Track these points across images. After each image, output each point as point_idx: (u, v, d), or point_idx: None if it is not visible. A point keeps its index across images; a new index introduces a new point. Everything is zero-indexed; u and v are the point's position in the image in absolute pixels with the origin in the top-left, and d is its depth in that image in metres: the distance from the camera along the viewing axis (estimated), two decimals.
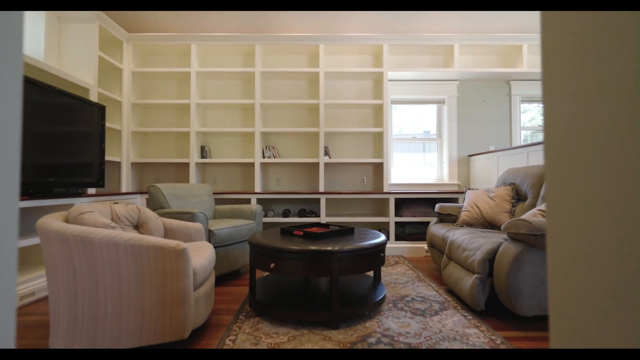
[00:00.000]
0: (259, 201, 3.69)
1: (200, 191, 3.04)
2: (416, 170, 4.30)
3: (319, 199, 3.50)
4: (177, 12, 3.68)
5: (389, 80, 4.07)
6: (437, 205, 3.05)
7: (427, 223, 3.61)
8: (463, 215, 2.83)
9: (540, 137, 4.31)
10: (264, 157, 3.87)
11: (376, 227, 3.84)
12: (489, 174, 3.63)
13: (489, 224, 2.70)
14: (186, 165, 3.94)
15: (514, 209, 2.63)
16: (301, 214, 3.52)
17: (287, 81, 4.08)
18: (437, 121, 4.30)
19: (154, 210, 2.68)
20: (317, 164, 3.78)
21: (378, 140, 4.02)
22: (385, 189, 3.70)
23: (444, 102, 4.18)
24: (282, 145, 4.06)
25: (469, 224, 2.78)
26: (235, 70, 3.73)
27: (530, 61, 4.04)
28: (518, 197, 2.72)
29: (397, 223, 3.61)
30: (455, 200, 3.62)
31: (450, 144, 4.10)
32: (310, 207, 3.89)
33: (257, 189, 3.70)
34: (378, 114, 3.99)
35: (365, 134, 4.06)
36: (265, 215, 3.55)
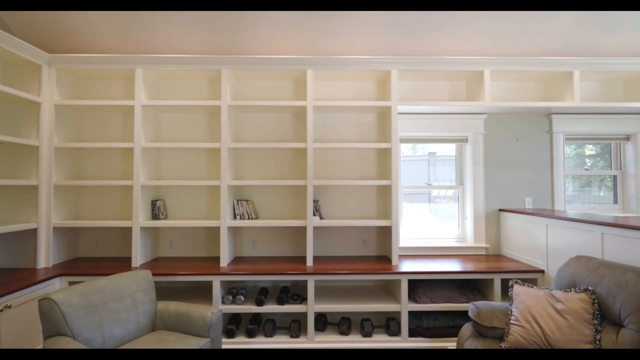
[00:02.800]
0: (224, 285, 2.74)
1: (131, 288, 2.10)
2: (430, 224, 3.39)
3: (306, 280, 2.58)
4: (119, 27, 2.76)
5: (398, 114, 3.16)
6: (471, 308, 2.13)
7: (453, 314, 2.68)
8: (515, 333, 1.91)
9: (596, 191, 3.42)
10: (235, 217, 2.94)
11: (382, 317, 2.91)
12: (534, 244, 2.72)
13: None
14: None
15: (599, 337, 1.72)
16: (282, 300, 2.58)
17: (267, 114, 3.15)
18: (457, 165, 3.39)
19: (46, 337, 1.74)
20: (304, 227, 2.84)
21: (383, 194, 3.10)
22: (394, 259, 2.78)
23: (466, 141, 3.28)
24: (260, 199, 3.13)
25: (525, 349, 1.87)
26: (193, 103, 2.80)
27: (584, 91, 3.15)
28: (601, 314, 1.81)
29: (411, 313, 2.69)
30: (488, 284, 2.68)
31: (475, 194, 3.20)
32: (295, 280, 2.94)
33: (223, 262, 2.75)
34: (383, 158, 3.08)
35: (368, 187, 3.14)
36: (233, 301, 2.61)
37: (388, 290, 2.95)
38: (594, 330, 1.74)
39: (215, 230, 3.07)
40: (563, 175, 3.21)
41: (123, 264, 2.79)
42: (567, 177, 3.35)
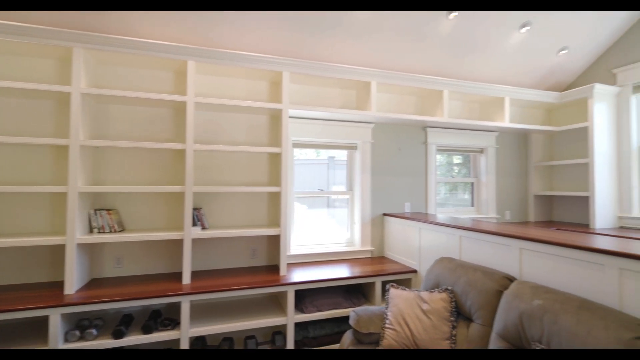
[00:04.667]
0: (70, 318, 2.19)
1: None
2: (322, 228, 3.40)
3: (180, 302, 2.25)
4: None
5: (290, 117, 3.07)
6: (351, 316, 2.15)
7: (339, 320, 2.71)
8: (388, 337, 1.98)
9: (461, 195, 3.94)
10: (91, 231, 2.40)
11: (270, 331, 2.77)
12: (409, 246, 2.95)
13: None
14: None
15: (454, 333, 1.89)
16: (148, 328, 2.19)
17: (140, 108, 2.68)
18: (347, 171, 3.49)
19: None
20: (182, 240, 2.47)
21: (275, 201, 2.97)
22: (282, 269, 2.66)
23: (356, 148, 3.40)
24: (129, 208, 2.64)
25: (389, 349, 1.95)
26: (41, 87, 2.18)
27: (452, 109, 3.58)
28: (457, 311, 2.00)
29: (298, 324, 2.60)
30: (370, 287, 2.78)
31: (363, 199, 3.33)
32: (167, 302, 2.55)
33: (70, 288, 2.20)
34: (276, 163, 2.95)
35: (258, 194, 2.95)
36: (82, 337, 2.09)
37: (277, 302, 2.82)
38: (451, 327, 1.91)
39: (60, 249, 2.46)
40: (435, 182, 3.60)
41: None
42: (439, 183, 3.79)
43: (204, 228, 2.65)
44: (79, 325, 2.19)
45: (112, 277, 2.58)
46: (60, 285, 2.34)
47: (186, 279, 2.43)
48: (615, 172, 3.38)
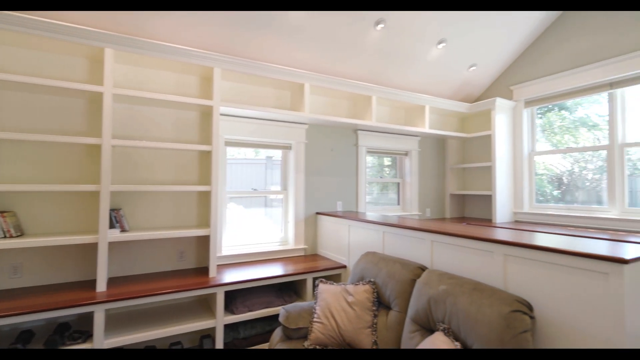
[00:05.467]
0: None
1: None
2: (257, 228, 3.38)
3: (93, 312, 2.05)
4: None
5: (222, 115, 3.00)
6: (281, 313, 2.19)
7: (271, 319, 2.72)
8: (316, 330, 2.06)
9: (392, 194, 4.22)
10: None
11: (195, 336, 2.67)
12: (340, 243, 3.09)
13: (348, 345, 2.03)
14: None
15: (375, 321, 2.05)
16: (54, 342, 1.95)
17: (45, 97, 2.38)
18: (282, 171, 3.52)
19: None
20: (97, 244, 2.24)
21: (206, 201, 2.87)
22: (212, 270, 2.59)
23: (290, 148, 3.45)
24: (32, 209, 2.32)
25: (323, 344, 2.04)
26: None
27: (380, 113, 3.83)
28: (379, 301, 2.17)
29: (228, 325, 2.56)
30: (302, 285, 2.86)
31: (297, 198, 3.39)
32: (77, 313, 2.30)
33: None
34: (205, 160, 2.85)
35: (187, 193, 2.82)
36: None
37: (207, 305, 2.73)
38: (372, 316, 2.06)
39: None
40: (365, 182, 3.83)
41: None
42: (372, 183, 4.03)
43: (123, 230, 2.45)
44: None
45: (7, 289, 2.25)
46: None
47: (101, 286, 2.23)
48: (512, 174, 3.96)
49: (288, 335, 2.12)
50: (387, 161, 4.39)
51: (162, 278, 2.53)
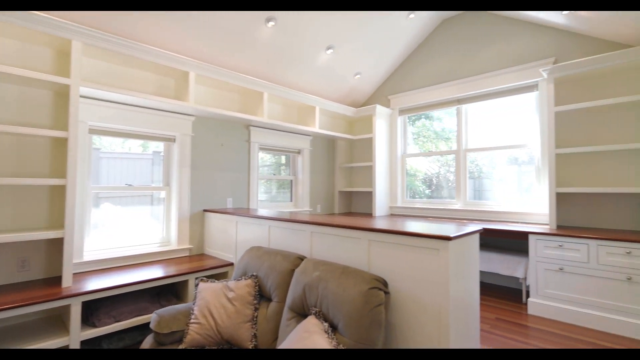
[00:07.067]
0: None
1: None
2: (135, 228, 3.01)
3: None
4: None
5: (85, 98, 2.58)
6: (153, 318, 1.99)
7: (146, 327, 2.45)
8: (192, 331, 1.95)
9: (287, 192, 4.26)
10: None
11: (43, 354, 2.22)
12: (228, 240, 3.00)
13: (227, 342, 1.98)
14: None
15: (256, 315, 2.05)
16: None
17: None
18: (164, 165, 3.23)
19: None
20: None
21: (60, 196, 2.42)
22: (66, 280, 2.19)
23: (174, 140, 3.18)
24: None
25: (200, 345, 1.94)
26: None
27: (272, 111, 3.86)
28: (261, 294, 2.18)
29: (87, 342, 2.20)
30: (184, 286, 2.66)
31: (181, 195, 3.16)
32: None
33: None
34: (60, 149, 2.40)
35: (34, 188, 2.32)
36: None
37: (62, 321, 2.30)
38: (253, 309, 2.06)
39: None
40: (257, 179, 3.81)
41: None
42: (269, 181, 4.02)
43: None
44: None
45: None
46: None
47: None
48: (388, 173, 4.50)
49: (160, 341, 1.95)
50: (284, 160, 4.47)
51: None
